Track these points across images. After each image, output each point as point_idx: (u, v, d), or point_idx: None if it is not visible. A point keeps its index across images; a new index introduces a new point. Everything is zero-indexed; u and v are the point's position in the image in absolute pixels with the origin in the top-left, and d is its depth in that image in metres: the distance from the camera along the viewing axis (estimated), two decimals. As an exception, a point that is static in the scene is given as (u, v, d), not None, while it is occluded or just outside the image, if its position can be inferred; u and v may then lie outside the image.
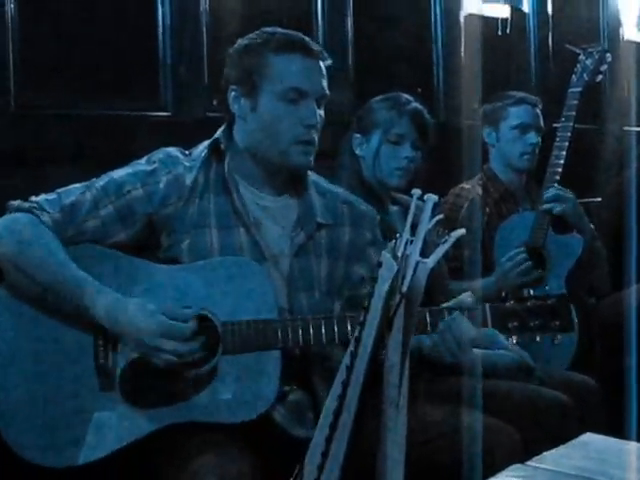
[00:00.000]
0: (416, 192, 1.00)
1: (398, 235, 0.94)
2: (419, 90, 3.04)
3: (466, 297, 1.89)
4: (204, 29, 2.85)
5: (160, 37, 2.76)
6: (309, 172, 2.09)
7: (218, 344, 1.83)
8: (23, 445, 1.82)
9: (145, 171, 1.97)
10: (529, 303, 1.86)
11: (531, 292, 1.91)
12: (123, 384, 1.85)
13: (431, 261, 0.88)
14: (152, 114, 2.76)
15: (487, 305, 1.88)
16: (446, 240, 0.91)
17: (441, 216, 0.98)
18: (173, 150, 2.03)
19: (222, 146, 2.02)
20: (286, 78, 1.96)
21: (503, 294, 1.90)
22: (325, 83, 2.01)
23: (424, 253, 0.91)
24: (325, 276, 2.04)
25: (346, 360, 0.95)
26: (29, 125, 2.51)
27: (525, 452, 1.89)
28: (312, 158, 2.01)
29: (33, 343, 1.87)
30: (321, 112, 2.01)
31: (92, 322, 1.84)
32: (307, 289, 2.01)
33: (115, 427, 1.82)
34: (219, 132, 2.06)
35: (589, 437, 1.81)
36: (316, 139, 2.00)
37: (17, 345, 1.87)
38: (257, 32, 2.04)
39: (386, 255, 0.92)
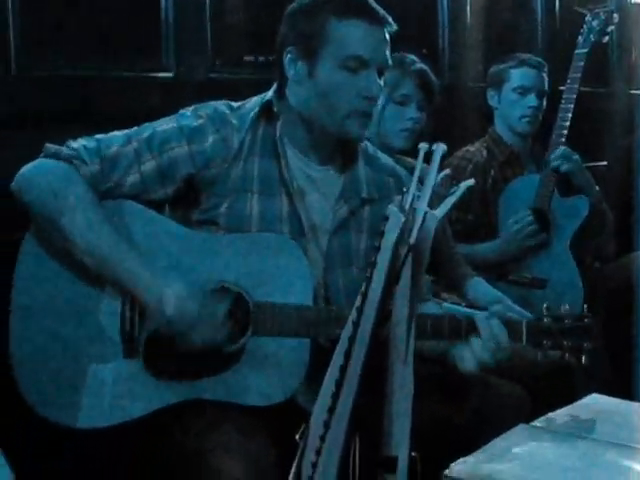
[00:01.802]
0: (423, 146, 0.98)
1: (405, 189, 0.92)
2: (424, 51, 3.00)
3: (497, 307, 1.87)
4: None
5: (162, -3, 2.73)
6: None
7: (248, 324, 1.78)
8: (38, 401, 1.78)
9: (191, 127, 1.88)
10: (566, 322, 1.81)
11: (567, 307, 1.86)
12: (147, 353, 1.80)
13: (440, 211, 0.86)
14: (154, 75, 2.73)
15: (524, 321, 1.81)
16: (455, 191, 0.89)
17: (448, 170, 0.96)
18: (221, 105, 1.94)
19: (275, 108, 1.93)
20: (348, 45, 1.85)
21: (544, 310, 1.84)
22: (388, 52, 1.91)
23: (432, 207, 0.90)
24: (363, 252, 1.99)
25: (353, 316, 0.94)
26: (30, 88, 2.48)
27: (536, 414, 1.89)
28: (367, 130, 1.95)
29: (57, 298, 1.82)
30: (381, 82, 1.91)
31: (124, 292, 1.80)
32: (344, 265, 1.96)
33: (135, 395, 1.78)
34: (271, 92, 1.96)
35: (594, 398, 1.81)
36: (373, 110, 1.93)
37: (40, 298, 1.82)
38: None
39: (392, 208, 0.90)
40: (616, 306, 2.98)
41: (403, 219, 0.85)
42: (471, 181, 0.93)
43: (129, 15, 2.67)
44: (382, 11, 1.90)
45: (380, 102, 2.58)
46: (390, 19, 1.90)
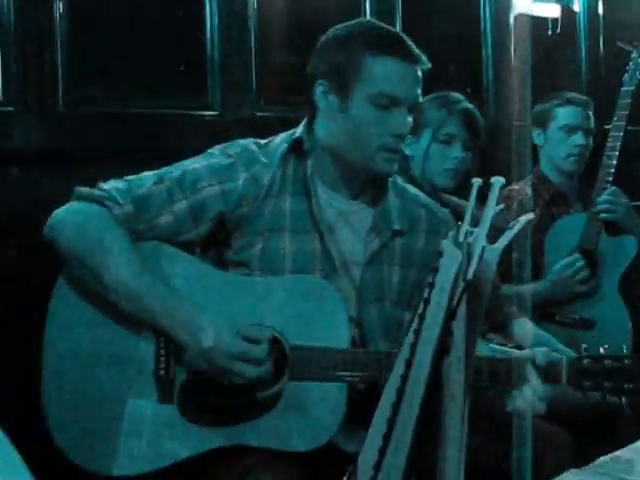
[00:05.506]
0: (476, 180, 0.96)
1: (459, 223, 0.89)
2: (469, 90, 2.99)
3: (542, 352, 1.84)
4: (252, 27, 2.83)
5: (208, 35, 2.74)
6: None
7: (285, 368, 1.76)
8: (72, 448, 1.77)
9: (222, 165, 1.88)
10: (606, 362, 1.79)
11: (606, 347, 1.83)
12: (182, 398, 1.78)
13: (500, 244, 0.83)
14: (200, 113, 2.74)
15: (564, 360, 1.81)
16: (514, 224, 0.86)
17: (503, 205, 0.93)
18: (249, 143, 1.95)
19: (305, 145, 1.93)
20: (382, 83, 1.85)
21: (583, 351, 1.83)
22: (419, 90, 1.91)
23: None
24: (396, 285, 1.96)
25: (404, 354, 0.91)
26: (77, 124, 2.50)
27: (579, 457, 1.85)
28: (397, 166, 1.94)
29: (90, 342, 1.81)
30: (410, 119, 1.91)
31: (158, 332, 1.79)
32: (377, 299, 1.94)
33: (170, 441, 1.77)
34: (300, 128, 1.97)
35: (646, 442, 1.75)
36: (403, 147, 1.94)
37: (73, 341, 1.81)
38: (352, 23, 1.94)
39: (447, 243, 0.87)
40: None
41: (460, 254, 0.82)
42: (531, 215, 0.91)
43: (174, 53, 2.69)
44: (416, 49, 1.90)
45: (425, 141, 2.59)
46: (424, 57, 1.91)
